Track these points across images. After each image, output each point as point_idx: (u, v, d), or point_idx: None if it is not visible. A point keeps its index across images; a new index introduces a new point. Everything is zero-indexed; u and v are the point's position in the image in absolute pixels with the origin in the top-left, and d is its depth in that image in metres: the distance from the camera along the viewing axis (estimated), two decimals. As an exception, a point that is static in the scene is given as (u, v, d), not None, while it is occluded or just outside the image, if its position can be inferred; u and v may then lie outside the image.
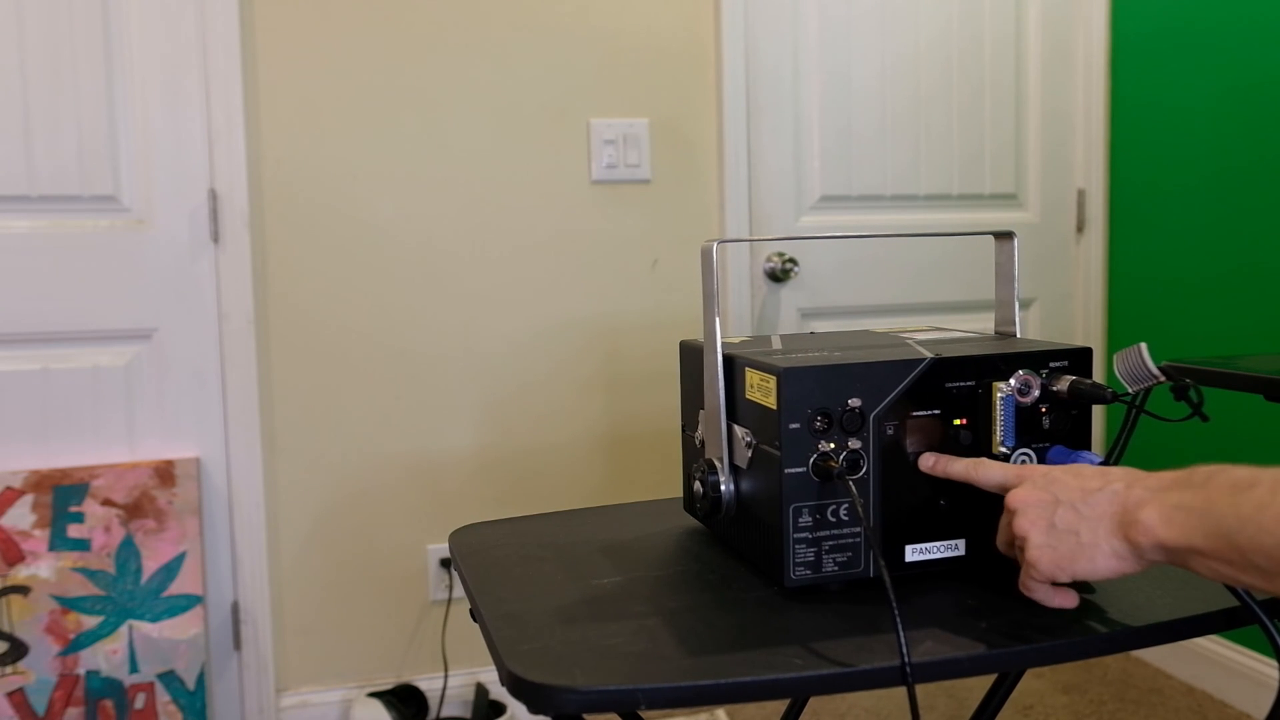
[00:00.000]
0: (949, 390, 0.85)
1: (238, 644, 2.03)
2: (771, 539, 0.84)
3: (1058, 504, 0.73)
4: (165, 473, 1.91)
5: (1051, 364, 0.88)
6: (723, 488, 0.91)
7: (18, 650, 1.82)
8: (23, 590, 1.83)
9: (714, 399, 0.92)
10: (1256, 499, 0.62)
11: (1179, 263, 2.29)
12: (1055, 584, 0.77)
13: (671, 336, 2.26)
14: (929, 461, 0.84)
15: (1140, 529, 0.68)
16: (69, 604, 1.85)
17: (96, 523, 1.86)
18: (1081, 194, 2.54)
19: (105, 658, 1.86)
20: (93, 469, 1.88)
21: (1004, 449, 0.85)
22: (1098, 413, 2.56)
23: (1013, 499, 0.76)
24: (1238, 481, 0.64)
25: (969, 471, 0.82)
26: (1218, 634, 1.55)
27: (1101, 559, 0.71)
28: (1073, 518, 0.72)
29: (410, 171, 2.09)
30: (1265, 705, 2.10)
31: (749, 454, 0.88)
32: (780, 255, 2.32)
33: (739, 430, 0.89)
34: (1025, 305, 2.55)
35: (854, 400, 0.83)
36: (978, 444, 0.86)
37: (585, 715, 0.72)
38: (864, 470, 0.83)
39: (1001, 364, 0.86)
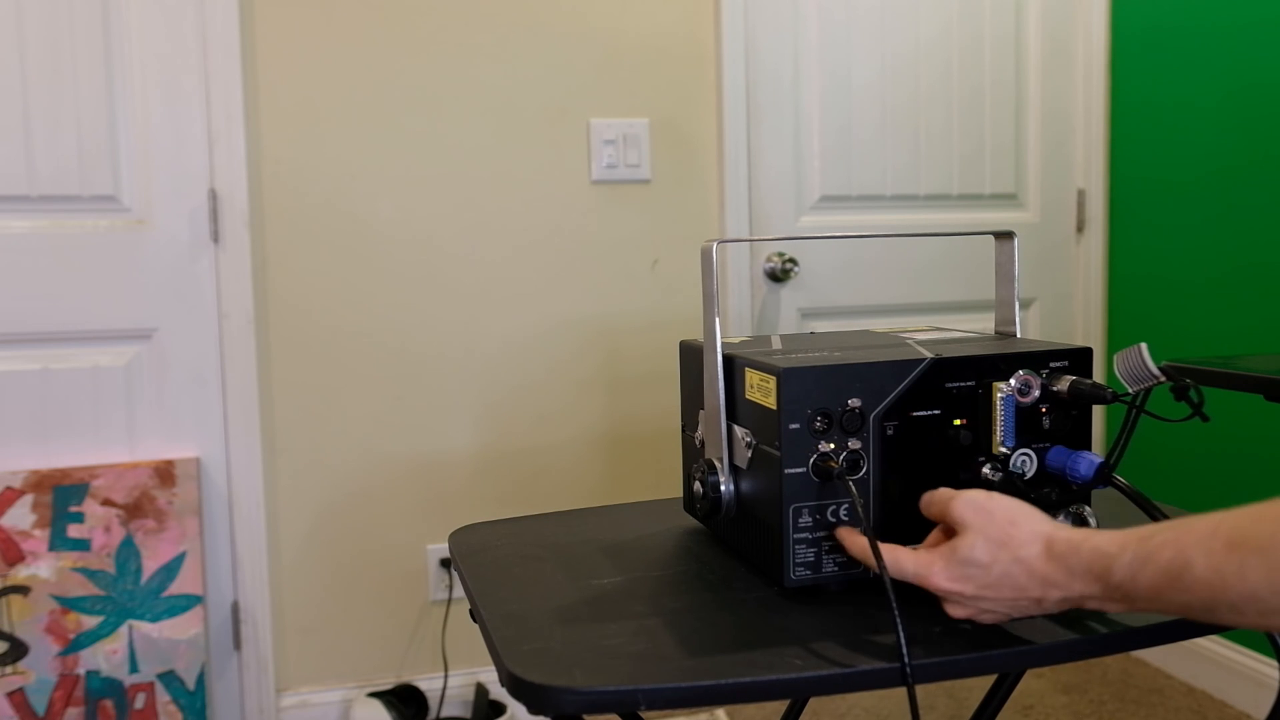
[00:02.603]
0: (949, 390, 0.85)
1: (238, 644, 2.03)
2: (771, 539, 0.84)
3: (982, 602, 0.73)
4: (165, 473, 1.91)
5: (1051, 364, 0.88)
6: (723, 488, 0.91)
7: (18, 650, 1.82)
8: (23, 590, 1.83)
9: (714, 399, 0.92)
10: (1206, 585, 0.61)
11: (1179, 263, 2.29)
12: None
13: (671, 336, 2.26)
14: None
15: (1108, 611, 0.69)
16: (69, 604, 1.85)
17: (96, 523, 1.86)
18: (1081, 194, 2.54)
19: (105, 658, 1.86)
20: (93, 469, 1.88)
21: (1004, 449, 0.85)
22: (1098, 413, 2.56)
23: (935, 591, 0.74)
24: (1169, 570, 0.63)
25: (889, 564, 0.76)
26: (1218, 634, 1.55)
27: (1056, 608, 0.72)
28: (1007, 609, 0.73)
29: (410, 171, 2.09)
30: (1265, 705, 2.10)
31: (749, 454, 0.87)
32: (780, 255, 2.32)
33: (739, 430, 0.89)
34: (1025, 305, 2.55)
35: (854, 400, 0.83)
36: (978, 444, 0.86)
37: (585, 715, 0.72)
38: (864, 470, 0.83)
39: (1001, 364, 0.86)
